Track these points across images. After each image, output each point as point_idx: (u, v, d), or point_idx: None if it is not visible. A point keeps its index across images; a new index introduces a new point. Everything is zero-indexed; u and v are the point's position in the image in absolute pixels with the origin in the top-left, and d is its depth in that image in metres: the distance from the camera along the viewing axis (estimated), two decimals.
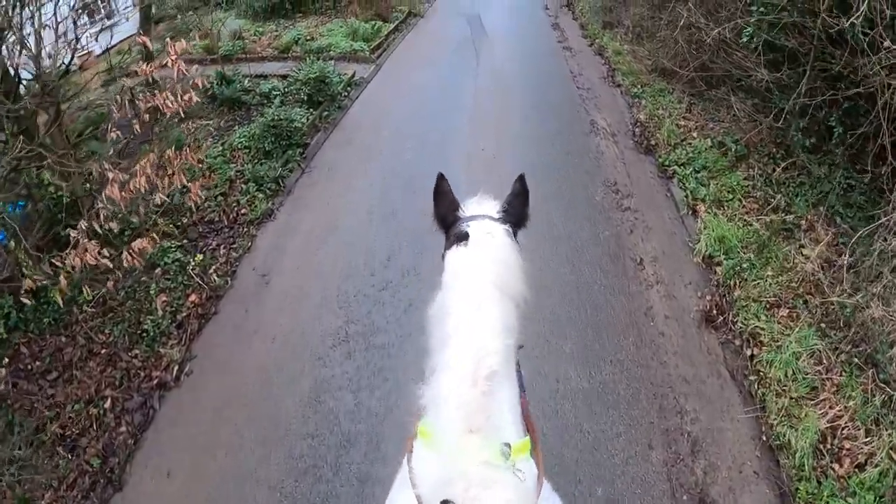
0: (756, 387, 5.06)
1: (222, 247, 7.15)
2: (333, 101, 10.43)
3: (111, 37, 9.21)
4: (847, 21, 5.24)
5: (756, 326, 5.51)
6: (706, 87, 8.84)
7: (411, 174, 8.19)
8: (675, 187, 7.54)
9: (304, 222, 7.53)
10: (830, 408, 4.77)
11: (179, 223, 7.34)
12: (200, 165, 8.29)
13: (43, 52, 5.71)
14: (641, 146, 8.61)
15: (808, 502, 4.22)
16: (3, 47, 5.33)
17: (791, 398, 4.87)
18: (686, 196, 7.22)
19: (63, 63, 5.89)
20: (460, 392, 1.37)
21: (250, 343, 5.87)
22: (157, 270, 6.65)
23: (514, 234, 1.71)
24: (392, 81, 12.11)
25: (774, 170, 7.30)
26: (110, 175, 5.09)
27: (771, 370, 5.10)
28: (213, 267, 6.77)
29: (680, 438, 4.78)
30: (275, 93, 10.65)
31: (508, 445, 1.35)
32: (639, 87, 10.15)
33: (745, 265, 6.04)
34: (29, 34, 5.67)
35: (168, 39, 4.98)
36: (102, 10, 14.66)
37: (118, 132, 5.03)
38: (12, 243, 5.13)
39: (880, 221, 5.51)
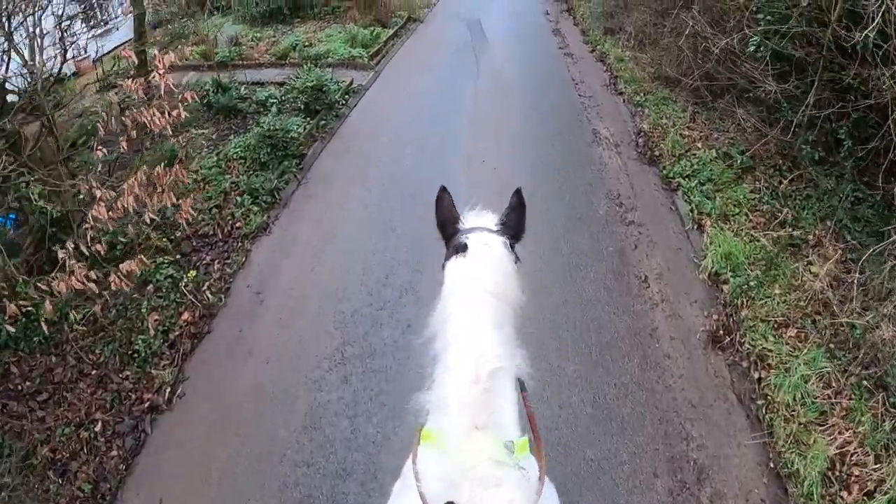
0: (763, 411, 4.92)
1: (216, 262, 6.99)
2: (331, 109, 10.26)
3: (97, 46, 9.02)
4: (861, 34, 5.07)
5: (764, 348, 5.36)
6: (711, 96, 8.67)
7: (410, 186, 8.03)
8: (679, 200, 7.38)
9: (300, 237, 7.37)
10: (839, 433, 4.63)
11: (173, 237, 7.18)
12: (194, 177, 8.16)
13: (37, 59, 5.58)
14: (645, 157, 8.45)
15: None
16: None
17: (799, 423, 4.73)
18: (691, 210, 7.06)
19: (51, 75, 5.72)
20: (463, 391, 1.39)
21: (244, 365, 5.71)
22: (150, 287, 6.48)
23: (512, 246, 1.73)
24: (391, 88, 11.95)
25: (781, 182, 7.15)
26: (98, 193, 4.93)
27: (779, 394, 4.96)
28: (207, 283, 6.60)
29: (686, 466, 4.64)
30: (271, 101, 10.50)
31: (512, 443, 1.37)
32: (641, 95, 9.99)
33: (752, 283, 5.88)
34: (18, 43, 5.54)
35: (156, 52, 4.81)
36: (99, 16, 14.54)
37: (104, 149, 4.86)
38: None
39: (892, 239, 5.38)
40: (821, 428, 4.68)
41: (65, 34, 5.87)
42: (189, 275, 6.60)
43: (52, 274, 4.72)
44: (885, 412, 4.60)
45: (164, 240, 7.09)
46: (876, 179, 6.10)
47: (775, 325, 5.55)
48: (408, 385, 4.98)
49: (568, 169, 8.29)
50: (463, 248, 1.65)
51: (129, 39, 11.74)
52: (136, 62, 9.06)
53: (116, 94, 4.77)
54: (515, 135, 9.51)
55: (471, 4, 17.34)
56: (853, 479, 4.33)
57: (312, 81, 9.81)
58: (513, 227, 1.77)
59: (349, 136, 9.98)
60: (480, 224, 1.76)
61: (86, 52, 8.32)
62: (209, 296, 6.43)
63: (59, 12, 5.92)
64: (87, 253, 4.75)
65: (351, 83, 11.50)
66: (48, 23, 5.65)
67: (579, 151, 8.78)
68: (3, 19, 5.35)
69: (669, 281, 6.24)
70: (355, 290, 6.30)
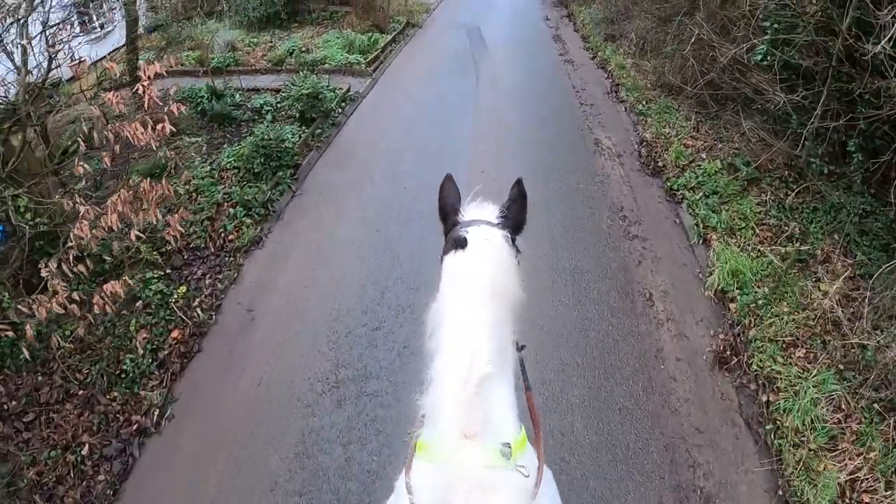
0: (772, 437, 4.78)
1: (207, 276, 6.80)
2: (327, 117, 10.06)
3: (89, 49, 8.81)
4: (876, 45, 4.90)
5: (772, 370, 5.20)
6: (715, 105, 8.49)
7: (408, 198, 7.84)
8: (684, 213, 7.20)
9: (294, 251, 7.17)
10: (849, 459, 4.52)
11: (163, 250, 6.97)
12: (187, 187, 7.97)
13: (21, 68, 5.41)
14: (648, 167, 8.27)
15: None
16: None
17: (809, 449, 4.60)
18: (697, 224, 6.88)
19: (36, 84, 5.53)
20: (454, 398, 1.35)
21: (235, 386, 5.51)
22: (138, 304, 6.29)
23: (513, 240, 1.69)
24: (389, 95, 11.77)
25: (787, 194, 6.99)
26: (81, 209, 4.74)
27: (788, 419, 4.81)
28: (198, 300, 6.41)
29: (692, 495, 4.50)
30: (266, 108, 10.32)
31: (508, 445, 1.34)
32: (644, 103, 9.82)
33: (760, 301, 5.71)
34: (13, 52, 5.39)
35: (142, 62, 4.61)
36: (95, 19, 14.35)
37: (85, 165, 4.66)
38: None
39: None
40: (831, 454, 4.56)
41: (50, 41, 5.65)
42: (179, 291, 6.41)
43: (34, 295, 4.52)
44: None
45: (155, 253, 6.89)
46: (885, 193, 5.94)
47: (784, 346, 5.40)
48: (403, 411, 4.84)
49: (569, 180, 8.11)
50: (462, 243, 1.59)
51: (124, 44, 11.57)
52: (127, 70, 8.95)
53: (99, 106, 4.56)
54: (515, 144, 9.34)
55: (470, 10, 17.22)
56: None
57: (308, 89, 9.59)
58: (514, 219, 1.71)
59: (345, 144, 9.79)
60: (481, 216, 1.69)
61: (72, 59, 8.07)
62: (199, 313, 6.24)
63: (45, 19, 5.72)
64: (69, 274, 4.54)
65: (348, 90, 11.31)
66: (35, 28, 5.45)
67: (581, 161, 8.60)
68: None
69: (675, 298, 6.06)
70: (350, 309, 6.09)
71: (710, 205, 7.06)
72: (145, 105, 4.26)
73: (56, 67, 6.34)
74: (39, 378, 5.73)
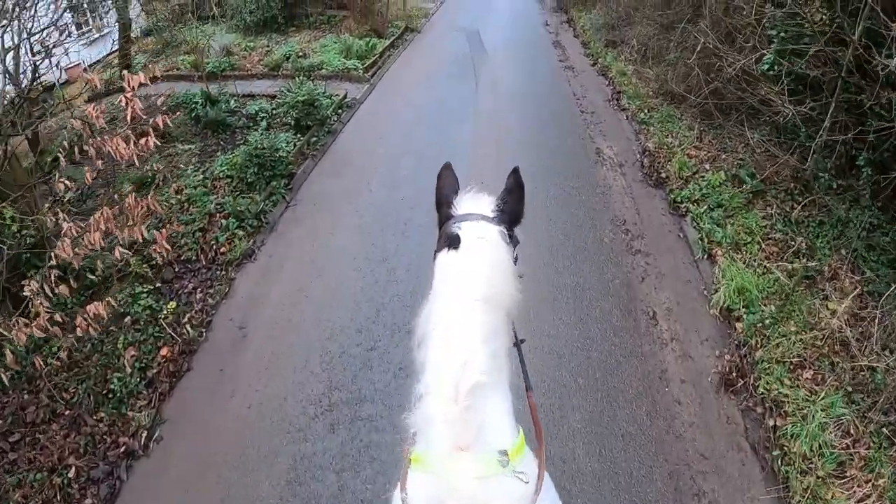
0: (779, 463, 4.61)
1: (198, 290, 6.61)
2: (323, 125, 9.87)
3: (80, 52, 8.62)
4: (890, 59, 4.75)
5: (779, 392, 5.03)
6: (720, 114, 8.31)
7: (405, 209, 7.66)
8: (688, 227, 7.03)
9: (287, 265, 6.97)
10: (858, 486, 4.36)
11: (154, 262, 6.77)
12: (178, 197, 7.79)
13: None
14: (651, 178, 8.10)
15: None
16: None
17: (817, 476, 4.44)
18: (701, 238, 6.70)
19: (20, 96, 5.35)
20: (444, 412, 1.31)
21: (225, 408, 5.32)
22: (127, 319, 6.11)
23: (510, 234, 1.61)
24: (386, 102, 11.59)
25: (793, 207, 6.83)
26: (65, 226, 4.56)
27: (795, 444, 4.64)
28: (188, 315, 6.22)
29: None
30: (262, 115, 10.13)
31: (505, 452, 1.31)
32: (646, 111, 9.65)
33: (767, 321, 5.54)
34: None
35: (125, 72, 4.41)
36: (91, 23, 14.19)
37: (66, 182, 4.47)
38: None
39: None
40: (839, 481, 4.40)
41: (35, 49, 5.47)
42: (168, 307, 6.22)
43: (14, 318, 4.34)
44: None
45: (145, 266, 6.70)
46: (893, 207, 5.78)
47: (791, 367, 5.23)
48: (398, 436, 4.64)
49: (570, 191, 7.92)
50: (455, 241, 1.51)
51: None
52: (120, 75, 8.76)
53: (82, 118, 4.38)
54: (515, 147, 9.19)
55: (469, 14, 17.07)
56: None
57: (304, 96, 9.40)
58: (511, 211, 1.64)
59: (342, 152, 9.61)
60: (475, 210, 1.61)
61: (57, 66, 7.84)
62: (189, 330, 6.05)
63: (30, 27, 5.54)
64: (51, 295, 4.35)
65: (345, 97, 11.13)
66: (13, 39, 5.27)
67: (582, 171, 8.42)
68: None
69: (679, 317, 5.88)
70: (344, 327, 5.89)
71: (715, 218, 6.88)
72: (128, 118, 4.06)
73: (40, 77, 6.17)
74: (26, 396, 5.55)
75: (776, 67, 6.39)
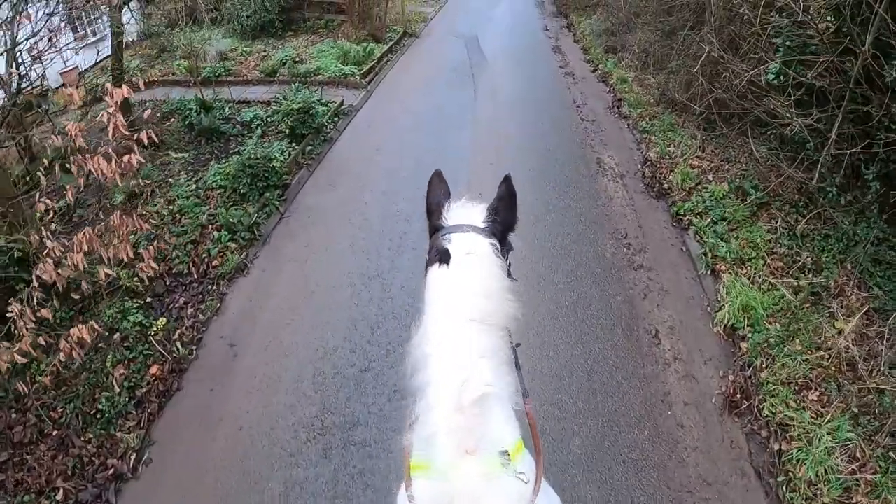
0: (784, 490, 4.47)
1: (189, 305, 6.46)
2: (318, 133, 9.68)
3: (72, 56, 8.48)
4: None
5: (785, 415, 4.89)
6: (724, 124, 8.15)
7: (401, 222, 7.50)
8: (691, 241, 6.87)
9: (280, 280, 6.80)
10: None
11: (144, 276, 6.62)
12: (170, 208, 7.62)
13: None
14: (653, 189, 7.93)
15: None
16: None
17: (822, 503, 4.31)
18: (705, 253, 6.54)
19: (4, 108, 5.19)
20: (448, 422, 1.31)
21: (215, 430, 5.17)
22: (116, 336, 5.95)
23: (502, 246, 1.59)
24: (384, 107, 11.42)
25: (798, 220, 6.66)
26: (49, 244, 4.40)
27: (801, 470, 4.51)
28: (178, 332, 6.07)
29: None
30: (256, 122, 9.97)
31: (506, 453, 1.32)
32: (647, 120, 9.49)
33: (772, 341, 5.39)
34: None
35: (108, 85, 4.25)
36: (87, 26, 14.03)
37: (47, 201, 4.31)
38: None
39: None
40: None
41: (20, 56, 5.32)
42: (158, 323, 6.06)
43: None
44: None
45: (135, 279, 6.54)
46: None
47: (796, 388, 5.09)
48: (393, 462, 4.50)
49: (570, 203, 7.75)
50: (445, 256, 1.49)
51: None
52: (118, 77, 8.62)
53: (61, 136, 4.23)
54: (514, 161, 8.97)
55: (468, 20, 16.88)
56: None
57: (299, 104, 9.22)
58: (502, 221, 1.62)
59: (338, 160, 9.44)
60: (466, 220, 1.59)
61: (42, 76, 7.67)
62: (179, 347, 5.91)
63: (14, 34, 5.38)
64: (33, 319, 4.19)
65: (341, 104, 10.95)
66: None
67: (582, 183, 8.24)
68: None
69: (682, 335, 5.72)
70: (338, 346, 5.73)
71: (719, 232, 6.72)
72: (110, 135, 3.89)
73: (31, 84, 6.03)
74: (13, 415, 5.43)
75: (782, 77, 6.24)
